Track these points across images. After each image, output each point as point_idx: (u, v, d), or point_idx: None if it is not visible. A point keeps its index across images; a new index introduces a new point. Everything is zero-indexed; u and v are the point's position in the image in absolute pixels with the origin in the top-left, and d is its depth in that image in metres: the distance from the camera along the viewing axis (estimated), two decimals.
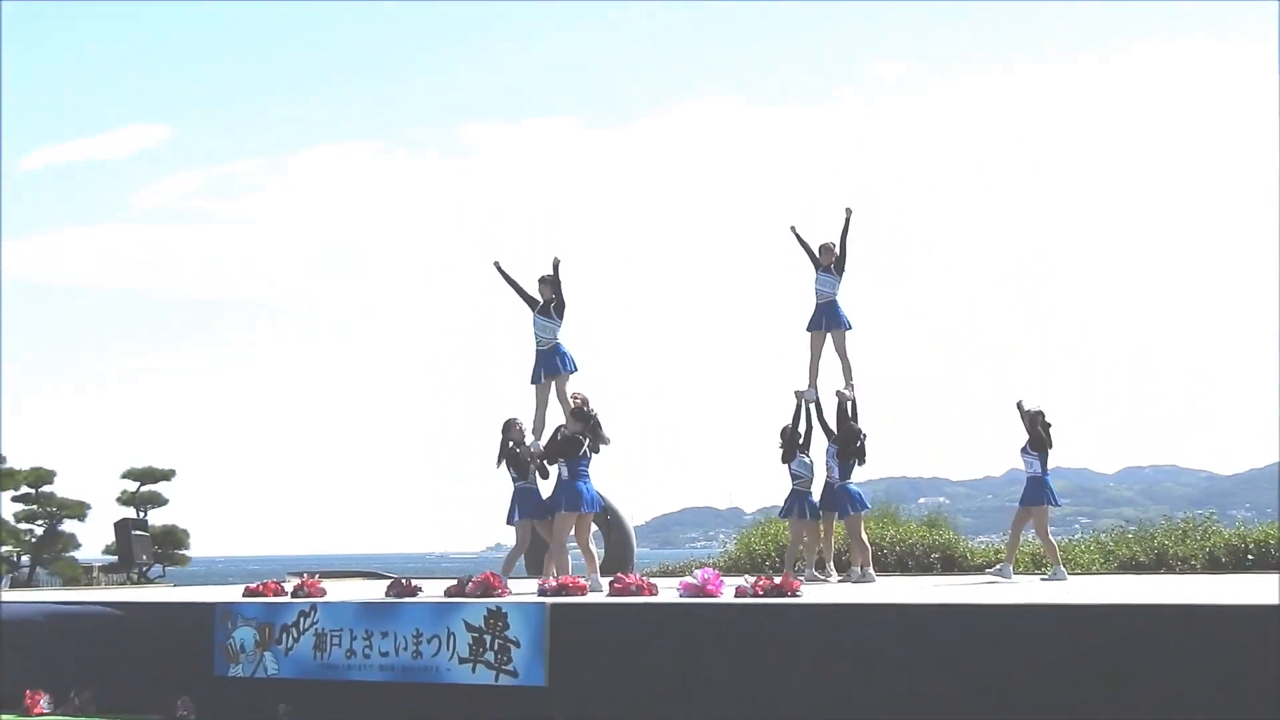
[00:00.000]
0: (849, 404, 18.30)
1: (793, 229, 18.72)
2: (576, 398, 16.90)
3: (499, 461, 16.90)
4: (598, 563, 17.04)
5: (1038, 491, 17.75)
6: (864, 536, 18.34)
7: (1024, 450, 17.80)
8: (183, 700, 15.16)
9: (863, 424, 18.32)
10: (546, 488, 16.93)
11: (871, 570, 18.20)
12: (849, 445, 18.16)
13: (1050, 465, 17.70)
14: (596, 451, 16.64)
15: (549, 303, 17.26)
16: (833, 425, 18.39)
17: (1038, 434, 17.65)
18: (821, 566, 18.70)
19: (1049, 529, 18.11)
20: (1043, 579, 17.61)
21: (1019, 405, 17.73)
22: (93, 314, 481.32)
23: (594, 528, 18.18)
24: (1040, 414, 17.70)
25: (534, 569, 19.41)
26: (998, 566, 18.19)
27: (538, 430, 17.14)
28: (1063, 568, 17.78)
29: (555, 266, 17.28)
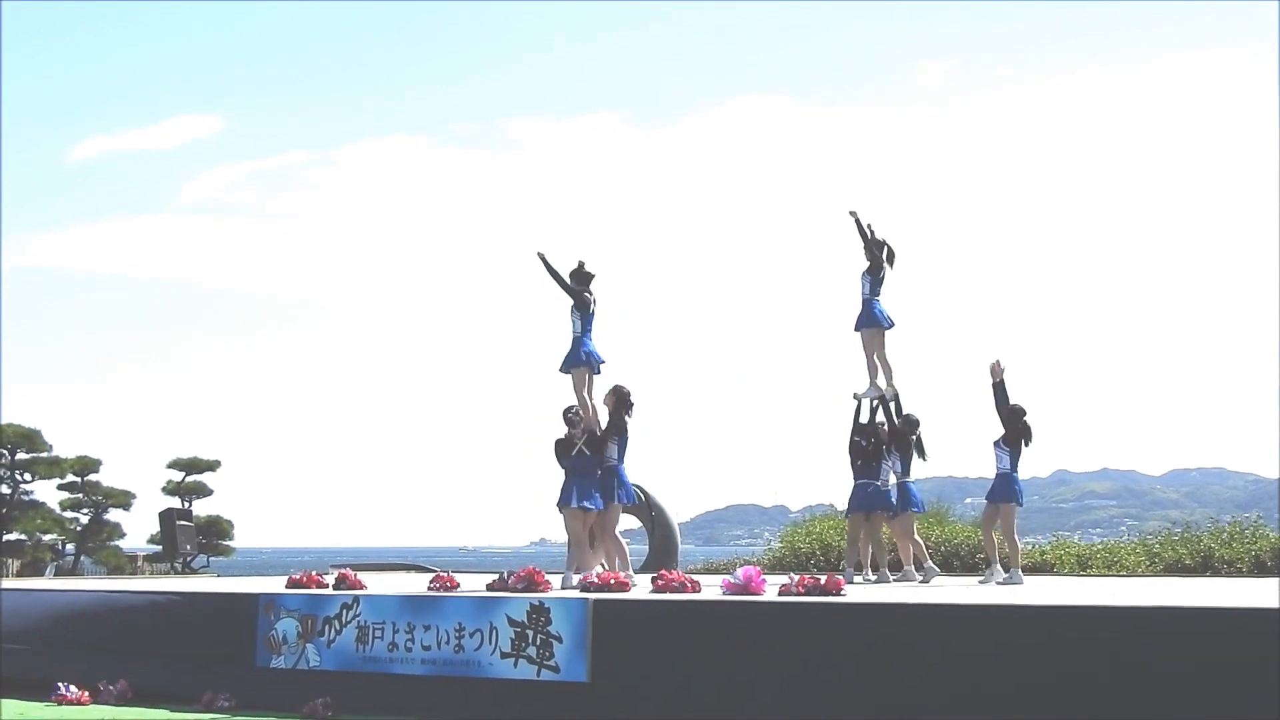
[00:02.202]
0: (879, 403, 18.29)
1: (852, 213, 18.48)
2: (614, 393, 16.91)
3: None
4: (593, 559, 16.94)
5: (1006, 488, 17.44)
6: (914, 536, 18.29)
7: (996, 444, 17.49)
8: (222, 693, 15.18)
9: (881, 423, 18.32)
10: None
11: (929, 566, 18.23)
12: (910, 443, 18.22)
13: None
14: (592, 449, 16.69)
15: (581, 294, 17.35)
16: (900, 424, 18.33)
17: (1016, 428, 17.36)
18: (875, 567, 18.50)
19: (1015, 529, 17.65)
20: (997, 581, 17.25)
21: (998, 364, 17.48)
22: (142, 304, 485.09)
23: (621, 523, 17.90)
24: (1020, 409, 17.41)
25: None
26: (1007, 574, 17.37)
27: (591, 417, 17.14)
28: (1020, 570, 17.35)
29: (583, 269, 17.51)
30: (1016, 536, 17.71)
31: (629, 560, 16.93)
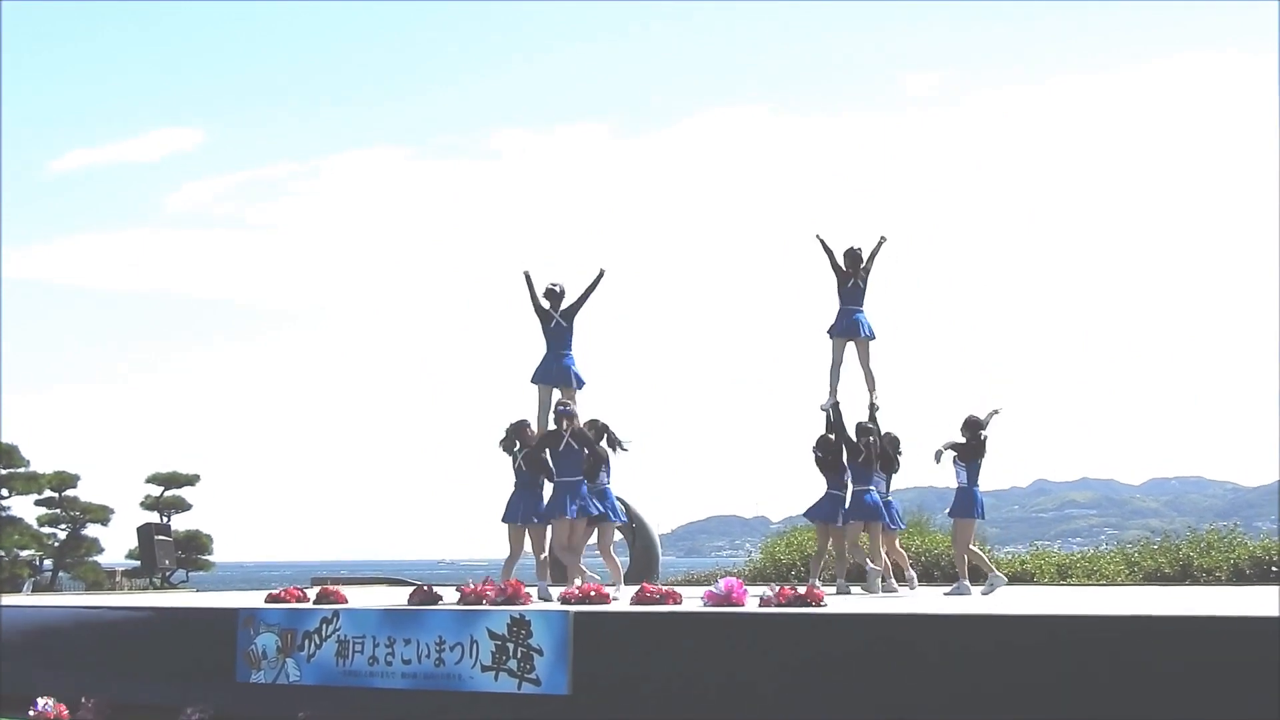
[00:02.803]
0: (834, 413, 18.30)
1: (818, 237, 18.58)
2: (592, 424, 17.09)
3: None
4: (620, 573, 17.08)
5: (966, 503, 17.48)
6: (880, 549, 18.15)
7: (954, 460, 17.47)
8: (198, 707, 15.13)
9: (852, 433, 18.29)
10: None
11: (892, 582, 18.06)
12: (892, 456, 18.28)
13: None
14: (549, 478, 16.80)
15: (555, 313, 17.73)
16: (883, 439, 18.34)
17: (970, 444, 17.37)
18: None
19: (971, 543, 17.72)
20: (945, 593, 17.34)
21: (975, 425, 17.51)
22: (121, 317, 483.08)
23: (590, 538, 17.92)
24: (980, 422, 17.41)
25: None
26: (989, 581, 17.47)
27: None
28: (967, 582, 17.37)
29: (599, 278, 17.85)
30: (975, 548, 17.82)
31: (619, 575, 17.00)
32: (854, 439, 18.10)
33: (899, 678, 11.97)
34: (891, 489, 18.46)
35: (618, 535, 22.10)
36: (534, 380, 17.89)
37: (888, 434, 18.29)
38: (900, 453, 18.37)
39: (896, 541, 18.86)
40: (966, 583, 17.47)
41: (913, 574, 18.91)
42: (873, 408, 18.40)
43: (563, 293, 17.84)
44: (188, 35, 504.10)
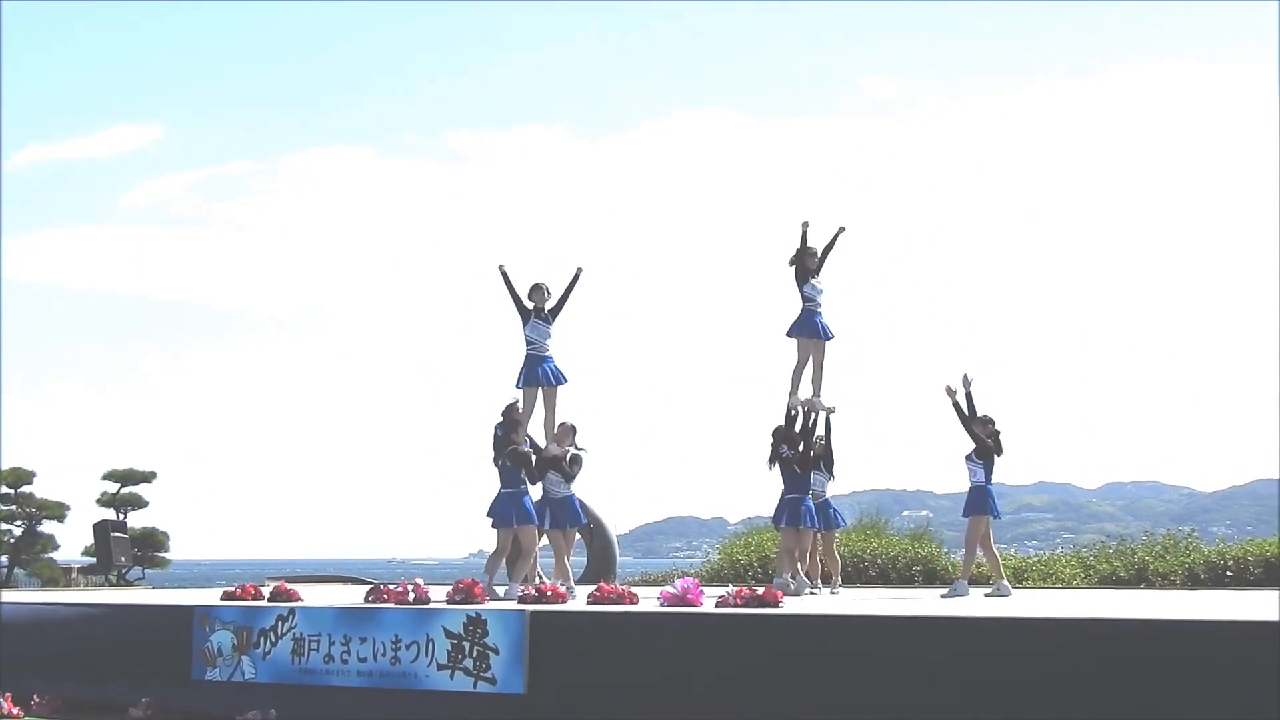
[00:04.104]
0: (813, 415, 18.13)
1: (804, 224, 18.34)
2: (565, 427, 17.30)
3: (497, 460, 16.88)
4: (572, 575, 17.12)
5: (982, 501, 17.42)
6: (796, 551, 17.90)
7: (969, 458, 17.46)
8: (144, 701, 15.09)
9: (838, 435, 18.23)
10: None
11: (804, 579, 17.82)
12: (828, 458, 18.13)
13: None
14: (531, 480, 16.91)
15: (539, 310, 17.48)
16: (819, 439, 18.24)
17: (985, 442, 17.38)
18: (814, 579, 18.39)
19: (993, 541, 17.71)
20: (942, 595, 17.33)
21: (966, 378, 17.52)
22: (78, 315, 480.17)
23: (577, 537, 18.09)
24: (990, 420, 17.49)
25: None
26: (997, 587, 17.31)
27: (546, 433, 17.38)
28: (1006, 582, 17.36)
29: (576, 276, 17.94)
30: (994, 548, 17.77)
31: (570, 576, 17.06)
32: (812, 441, 18.03)
33: (854, 679, 12.01)
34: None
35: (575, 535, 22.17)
36: (519, 385, 17.70)
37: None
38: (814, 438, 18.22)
39: (834, 545, 18.86)
40: (965, 582, 17.55)
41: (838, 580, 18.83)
42: (826, 410, 18.30)
43: (548, 292, 17.77)
44: (146, 31, 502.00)
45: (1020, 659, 11.40)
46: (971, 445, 17.46)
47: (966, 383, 17.51)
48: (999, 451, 17.48)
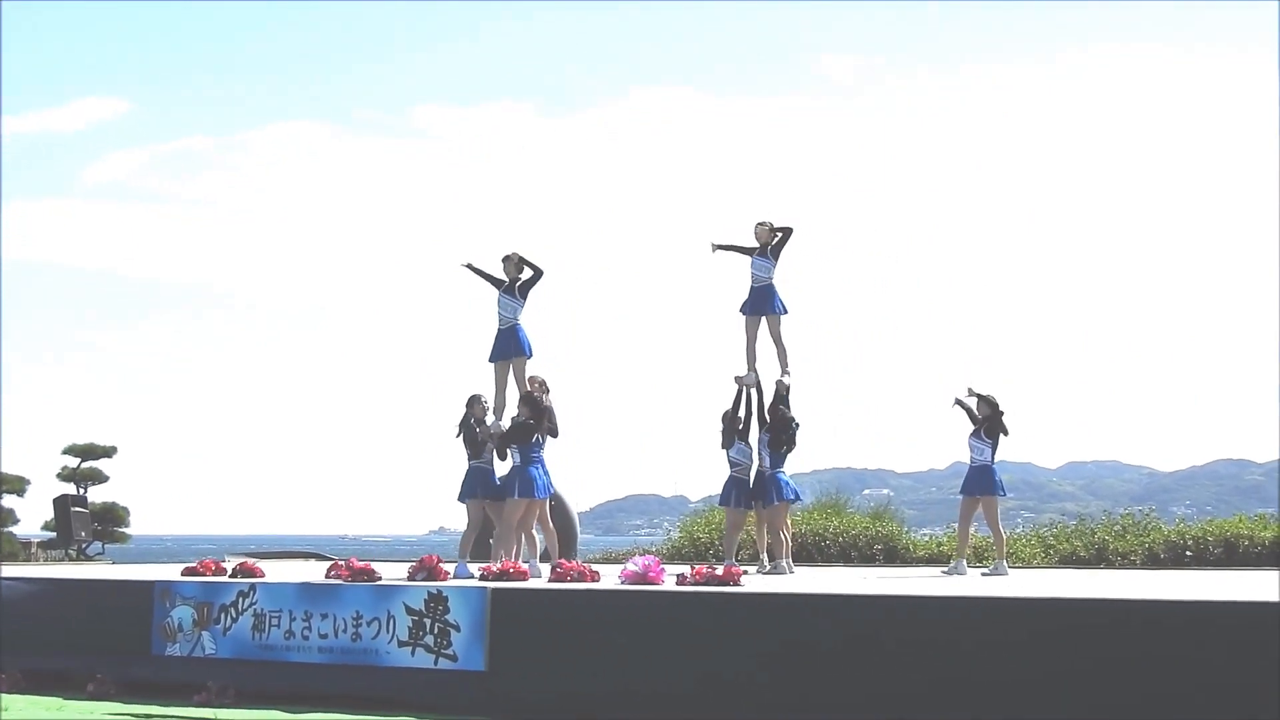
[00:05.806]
0: (785, 391, 17.96)
1: (713, 244, 18.39)
2: (534, 382, 16.89)
3: (458, 434, 16.87)
4: (538, 550, 17.03)
5: (988, 480, 17.46)
6: (786, 527, 17.79)
7: (975, 436, 17.48)
8: (98, 677, 15.05)
9: (799, 412, 18.04)
10: (501, 469, 16.92)
11: (786, 563, 17.57)
12: (780, 433, 17.83)
13: (996, 456, 17.43)
14: (555, 435, 16.65)
15: (513, 282, 17.34)
16: (768, 412, 18.06)
17: (997, 420, 17.43)
18: (762, 557, 18.25)
19: (999, 521, 17.68)
20: (983, 574, 17.39)
21: (970, 390, 17.59)
22: (38, 289, 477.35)
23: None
24: (995, 400, 17.49)
25: (481, 552, 19.28)
26: (951, 564, 17.73)
27: (498, 410, 17.12)
28: (1004, 562, 17.45)
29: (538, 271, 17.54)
30: (1001, 527, 17.78)
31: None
32: (768, 416, 17.86)
33: (815, 657, 12.07)
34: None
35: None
36: (527, 356, 17.52)
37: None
38: (785, 413, 18.02)
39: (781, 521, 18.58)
40: (963, 562, 17.67)
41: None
42: (784, 385, 18.12)
43: (520, 263, 17.47)
44: (110, 4, 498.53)
45: (974, 635, 11.48)
46: (970, 426, 17.57)
47: (970, 395, 17.63)
48: (1006, 431, 17.56)
